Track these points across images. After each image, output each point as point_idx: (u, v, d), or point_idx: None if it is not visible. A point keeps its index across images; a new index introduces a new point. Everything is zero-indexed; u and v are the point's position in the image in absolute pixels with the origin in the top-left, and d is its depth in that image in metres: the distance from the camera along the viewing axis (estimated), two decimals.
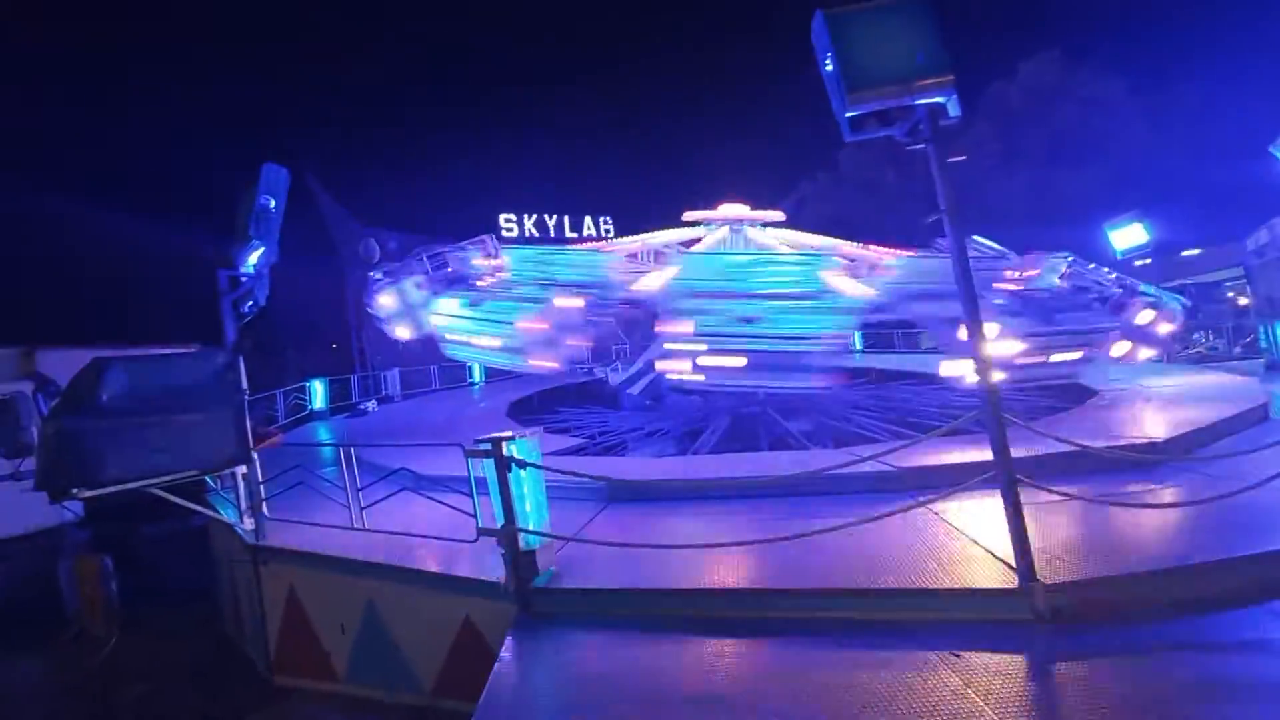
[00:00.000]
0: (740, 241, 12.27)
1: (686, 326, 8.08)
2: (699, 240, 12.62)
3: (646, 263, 10.71)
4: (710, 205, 12.95)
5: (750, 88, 49.38)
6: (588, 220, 30.92)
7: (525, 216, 29.85)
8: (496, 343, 8.83)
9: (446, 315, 9.55)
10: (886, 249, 10.65)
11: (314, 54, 46.02)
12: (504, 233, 29.55)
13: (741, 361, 7.79)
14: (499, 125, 52.77)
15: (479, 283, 10.26)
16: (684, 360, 8.22)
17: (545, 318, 8.40)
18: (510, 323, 8.53)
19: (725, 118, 49.58)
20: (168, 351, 5.09)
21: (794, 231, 13.20)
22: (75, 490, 4.37)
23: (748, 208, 13.10)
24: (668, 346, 8.37)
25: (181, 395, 4.82)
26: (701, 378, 8.23)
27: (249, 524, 5.56)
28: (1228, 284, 18.03)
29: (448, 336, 9.60)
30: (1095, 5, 32.39)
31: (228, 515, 5.97)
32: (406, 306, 10.14)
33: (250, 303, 6.62)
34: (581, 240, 30.84)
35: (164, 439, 4.70)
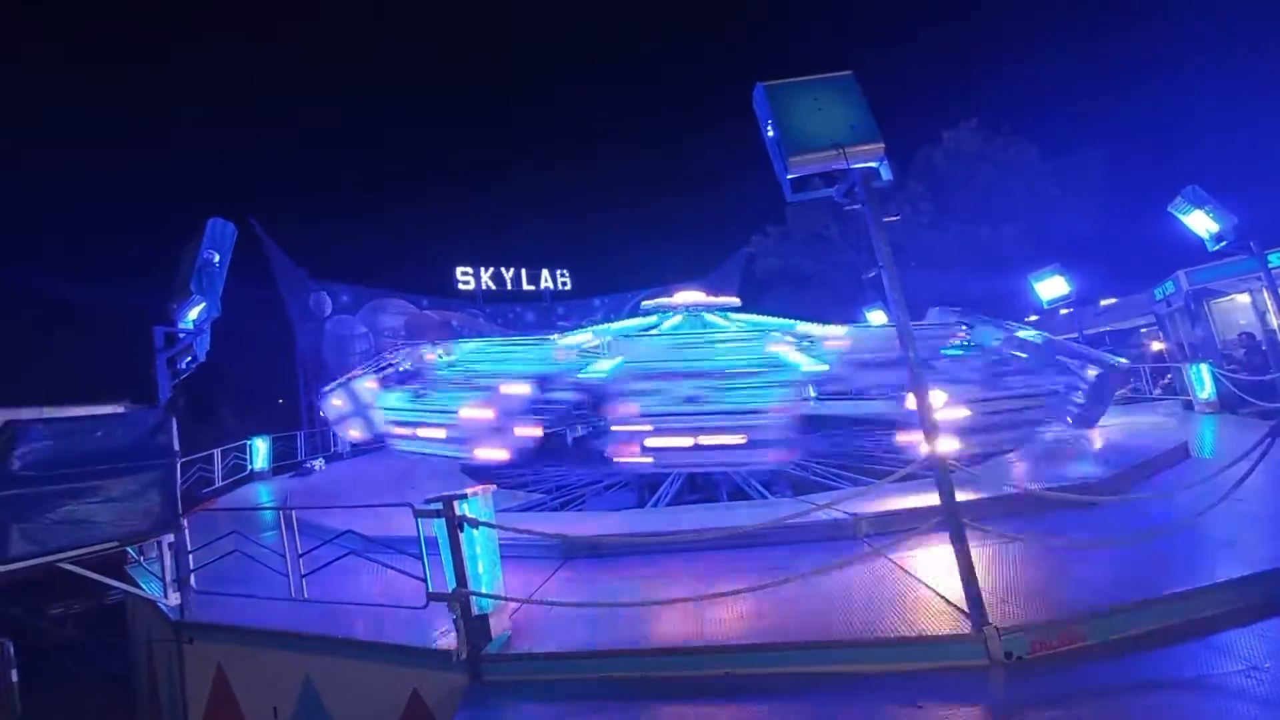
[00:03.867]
0: (698, 327, 12.50)
1: (632, 408, 8.10)
2: (655, 329, 12.82)
3: (596, 350, 10.83)
4: (666, 287, 13.22)
5: (704, 146, 51.88)
6: (545, 273, 31.17)
7: (482, 269, 29.87)
8: (441, 434, 8.65)
9: (391, 409, 9.48)
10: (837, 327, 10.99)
11: (265, 105, 46.07)
12: (460, 285, 29.48)
13: (689, 441, 7.83)
14: (455, 177, 53.48)
15: (427, 376, 10.32)
16: (632, 443, 8.24)
17: (490, 405, 8.30)
18: (454, 412, 8.39)
19: (681, 172, 51.71)
20: (93, 412, 4.77)
21: (750, 315, 13.56)
22: None
23: (704, 294, 13.55)
24: (614, 429, 8.38)
25: (105, 459, 4.49)
26: (650, 460, 8.22)
27: (174, 599, 5.13)
28: (1142, 329, 19.45)
29: (393, 431, 9.49)
30: (1012, 77, 35.81)
31: (150, 590, 5.50)
32: (358, 407, 10.15)
33: (189, 359, 6.35)
34: (539, 293, 31.07)
35: (83, 508, 4.35)
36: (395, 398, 9.51)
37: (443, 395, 8.96)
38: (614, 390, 8.50)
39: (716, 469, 8.52)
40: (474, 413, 8.25)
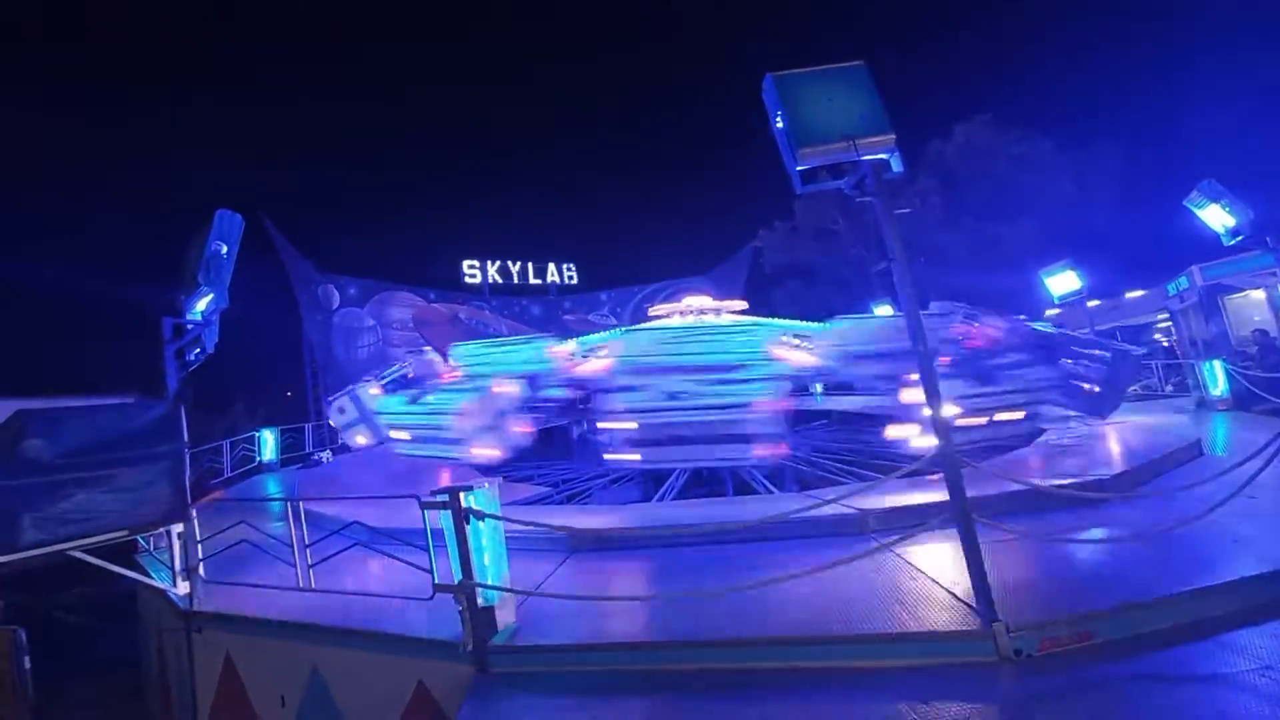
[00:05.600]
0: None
1: (617, 404, 8.15)
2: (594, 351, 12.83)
3: (592, 350, 10.84)
4: (673, 281, 13.12)
5: (712, 139, 51.60)
6: (551, 267, 31.16)
7: (489, 263, 29.88)
8: (439, 434, 8.79)
9: (390, 414, 9.64)
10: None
11: (274, 99, 46.17)
12: (467, 278, 29.51)
13: (666, 432, 7.85)
14: (462, 170, 53.50)
15: (429, 382, 10.47)
16: (619, 440, 8.28)
17: (483, 404, 8.39)
18: (449, 413, 8.48)
19: (689, 166, 51.47)
20: (101, 403, 4.80)
21: (755, 318, 13.52)
22: None
23: (710, 298, 13.50)
24: (600, 426, 8.40)
25: (115, 449, 4.53)
26: (638, 457, 8.18)
27: (183, 588, 5.17)
28: (1156, 325, 19.22)
29: (393, 435, 9.66)
30: (1025, 70, 35.38)
31: (159, 579, 5.56)
32: (364, 413, 10.33)
33: (197, 350, 6.37)
34: (545, 287, 31.07)
35: (93, 497, 4.39)
36: (394, 402, 9.68)
37: (438, 397, 9.08)
38: (604, 386, 8.52)
39: (707, 465, 8.51)
40: (468, 411, 8.36)
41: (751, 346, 9.50)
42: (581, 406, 9.83)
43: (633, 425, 8.02)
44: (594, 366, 9.59)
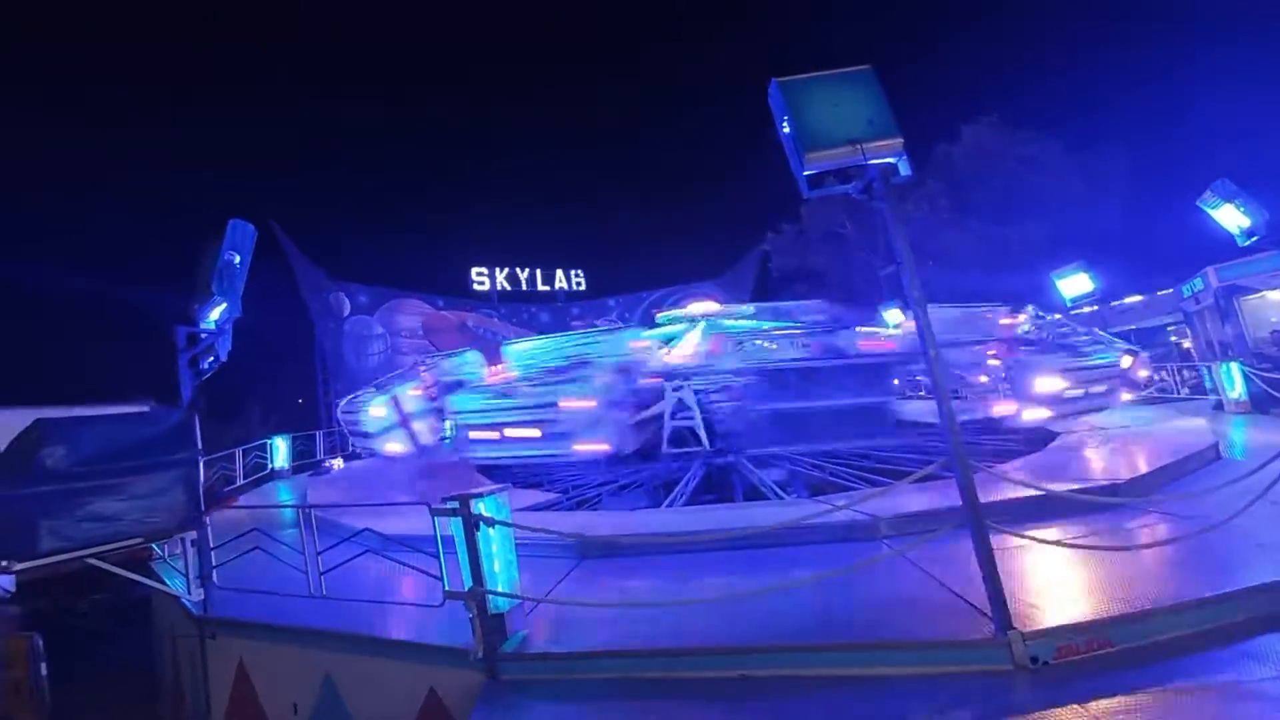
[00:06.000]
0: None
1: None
2: (674, 340, 12.64)
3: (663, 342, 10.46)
4: (681, 287, 13.10)
5: (720, 144, 51.68)
6: (559, 274, 31.27)
7: (497, 270, 30.05)
8: (536, 432, 8.25)
9: (469, 412, 8.91)
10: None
11: (283, 108, 46.77)
12: (475, 285, 29.68)
13: (494, 435, 7.66)
14: (471, 178, 53.89)
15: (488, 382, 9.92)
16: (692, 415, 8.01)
17: (592, 395, 7.97)
18: (553, 404, 8.00)
19: (696, 171, 51.56)
20: (117, 411, 4.86)
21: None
22: (6, 563, 4.06)
23: (717, 304, 13.52)
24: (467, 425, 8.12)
25: (130, 458, 4.58)
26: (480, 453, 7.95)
27: (196, 594, 5.21)
28: (1169, 328, 19.00)
29: (473, 436, 8.95)
30: (1035, 70, 35.22)
31: (174, 585, 5.60)
32: (401, 418, 9.69)
33: (211, 359, 6.44)
34: (553, 294, 31.16)
35: (109, 505, 4.43)
36: (473, 399, 9.00)
37: (536, 390, 8.51)
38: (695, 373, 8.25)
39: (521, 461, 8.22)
40: (575, 403, 7.89)
41: (612, 349, 9.27)
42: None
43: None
44: (684, 350, 9.33)
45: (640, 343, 9.98)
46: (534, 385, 8.69)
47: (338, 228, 39.69)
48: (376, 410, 9.83)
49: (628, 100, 55.46)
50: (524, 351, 10.43)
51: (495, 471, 9.88)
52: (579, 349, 9.93)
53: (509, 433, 8.50)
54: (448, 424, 9.41)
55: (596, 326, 29.99)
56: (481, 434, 8.79)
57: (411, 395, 9.70)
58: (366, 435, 10.23)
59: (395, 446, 9.90)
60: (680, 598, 4.24)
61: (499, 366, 10.58)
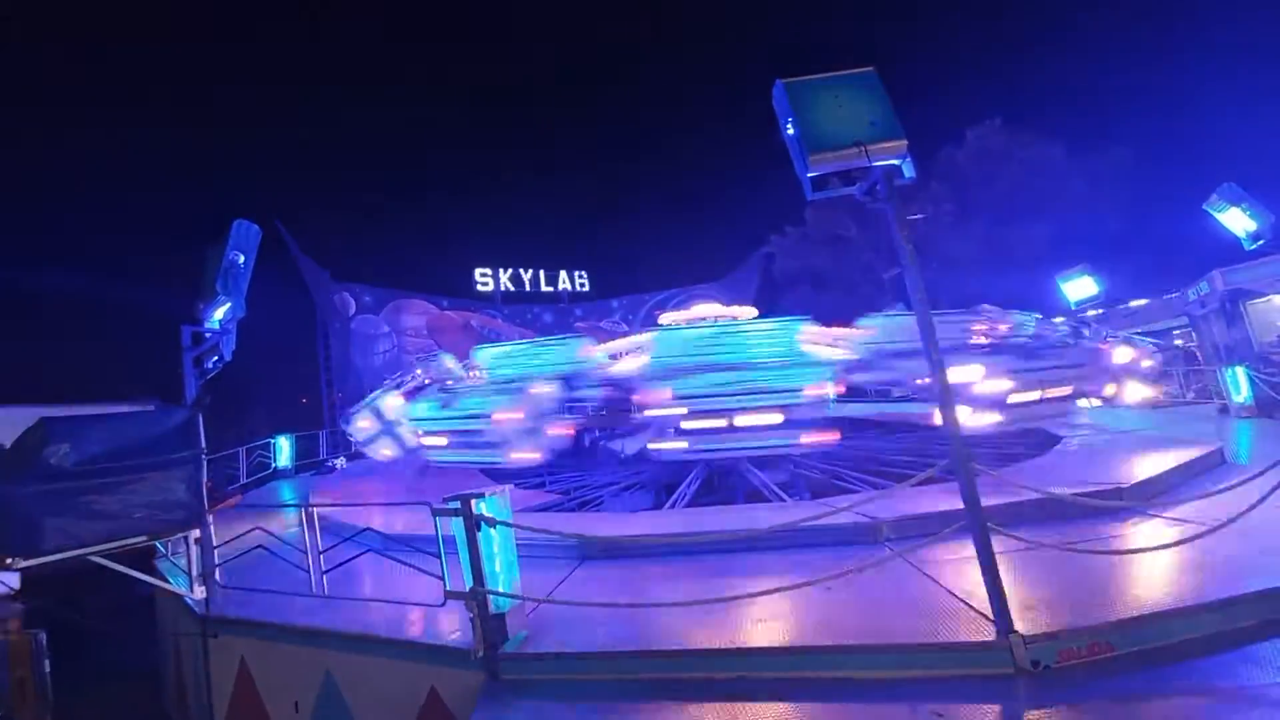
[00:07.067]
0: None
1: (665, 393, 7.94)
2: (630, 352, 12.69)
3: (621, 351, 10.66)
4: (684, 289, 13.05)
5: (723, 146, 51.66)
6: (563, 275, 31.31)
7: (501, 271, 30.10)
8: (479, 439, 8.47)
9: (420, 420, 9.29)
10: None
11: (289, 108, 46.96)
12: (479, 286, 29.74)
13: (723, 422, 7.73)
14: (474, 179, 54.00)
15: (452, 384, 10.17)
16: (667, 429, 8.07)
17: (521, 406, 8.18)
18: (486, 416, 8.25)
19: (700, 173, 51.56)
20: (122, 410, 4.89)
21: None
22: (10, 560, 4.09)
23: (720, 305, 13.51)
24: (648, 414, 8.20)
25: (134, 456, 4.60)
26: (685, 444, 7.98)
27: (199, 593, 5.23)
28: (1175, 332, 18.90)
29: (423, 442, 9.32)
30: (1039, 72, 35.15)
31: (177, 584, 5.63)
32: (386, 425, 9.97)
33: (215, 358, 6.47)
34: (557, 295, 31.21)
35: (113, 503, 4.46)
36: (423, 407, 9.34)
37: (472, 400, 8.81)
38: (645, 382, 8.41)
39: (747, 454, 8.34)
40: (506, 415, 8.11)
41: (787, 343, 9.42)
42: (620, 404, 9.42)
43: (682, 410, 7.83)
44: (628, 366, 9.49)
45: (593, 349, 10.21)
46: (471, 396, 9.02)
47: (342, 228, 39.79)
48: (363, 422, 10.29)
49: (632, 102, 55.54)
50: (489, 356, 10.75)
51: (496, 472, 9.93)
52: (529, 358, 10.21)
53: (451, 440, 8.89)
54: (406, 432, 9.72)
55: (599, 326, 30.10)
56: (432, 440, 9.21)
57: (391, 404, 10.01)
58: (361, 443, 10.72)
59: (387, 452, 10.29)
60: (681, 599, 4.24)
61: (473, 371, 10.76)
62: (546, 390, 8.59)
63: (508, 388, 8.85)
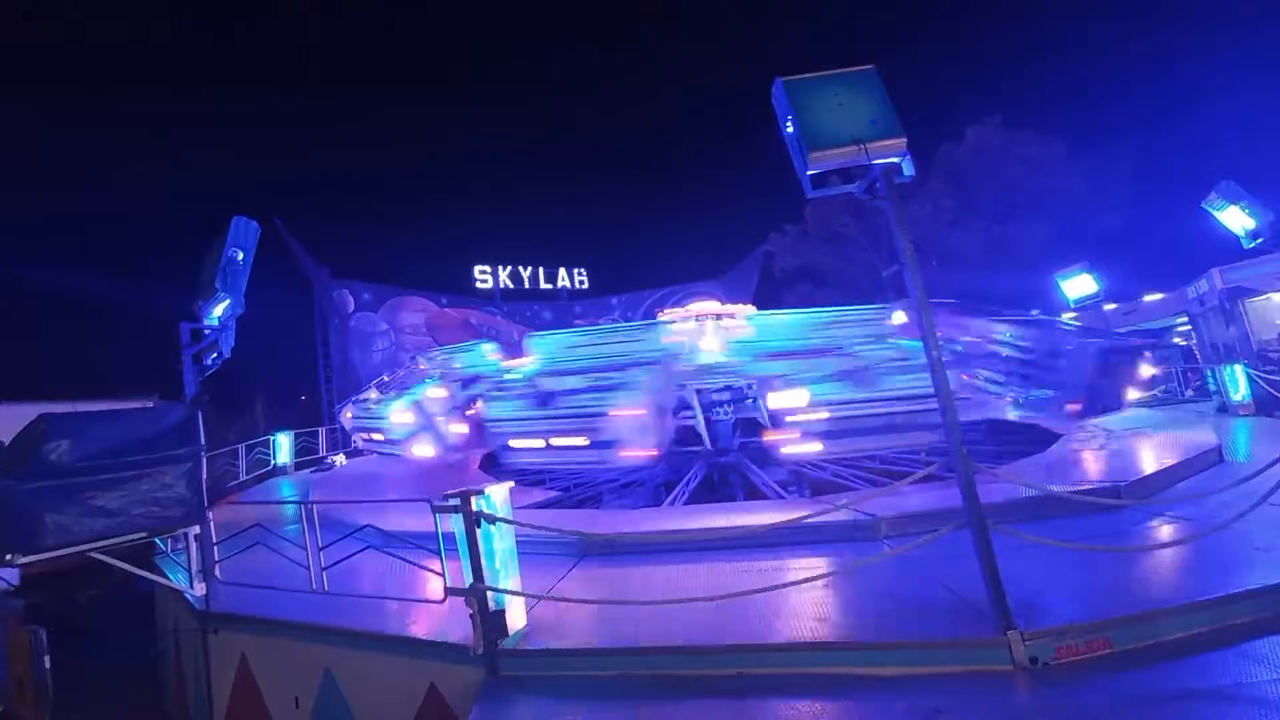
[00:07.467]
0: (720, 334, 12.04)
1: (801, 397, 7.35)
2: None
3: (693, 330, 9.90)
4: (683, 286, 12.89)
5: (723, 143, 51.61)
6: (562, 272, 31.28)
7: (500, 268, 30.07)
8: (583, 440, 7.83)
9: (508, 420, 8.48)
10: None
11: (288, 105, 46.85)
12: (478, 283, 29.71)
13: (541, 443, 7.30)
14: (474, 176, 53.91)
15: (507, 377, 9.44)
16: (791, 432, 7.47)
17: (641, 401, 7.50)
18: (602, 414, 7.57)
19: (700, 170, 51.48)
20: (122, 407, 4.89)
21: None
22: (10, 556, 4.09)
23: (719, 302, 13.42)
24: (788, 420, 7.50)
25: (135, 453, 4.60)
26: (820, 447, 7.45)
27: (199, 589, 5.24)
28: (1175, 329, 18.92)
29: (514, 445, 8.53)
30: (1036, 70, 35.09)
31: (176, 580, 5.63)
32: (427, 419, 9.18)
33: (214, 355, 6.46)
34: (556, 292, 31.18)
35: (113, 500, 4.45)
36: (510, 407, 8.55)
37: (579, 398, 8.11)
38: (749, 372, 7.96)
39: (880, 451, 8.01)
40: (625, 411, 7.49)
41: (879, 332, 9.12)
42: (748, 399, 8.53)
43: (824, 415, 7.43)
44: (712, 346, 9.03)
45: (673, 337, 9.54)
46: (576, 393, 8.29)
47: (341, 225, 39.79)
48: (400, 415, 9.34)
49: (632, 98, 55.45)
50: (550, 344, 9.96)
51: (496, 470, 9.91)
52: (617, 347, 9.53)
53: (554, 441, 8.16)
54: (465, 426, 9.01)
55: (599, 325, 30.05)
56: (523, 442, 8.45)
57: (434, 396, 9.23)
58: (391, 440, 9.73)
59: (424, 450, 9.38)
60: (680, 596, 4.24)
61: (518, 360, 10.15)
62: (659, 380, 8.00)
63: (619, 379, 8.11)
